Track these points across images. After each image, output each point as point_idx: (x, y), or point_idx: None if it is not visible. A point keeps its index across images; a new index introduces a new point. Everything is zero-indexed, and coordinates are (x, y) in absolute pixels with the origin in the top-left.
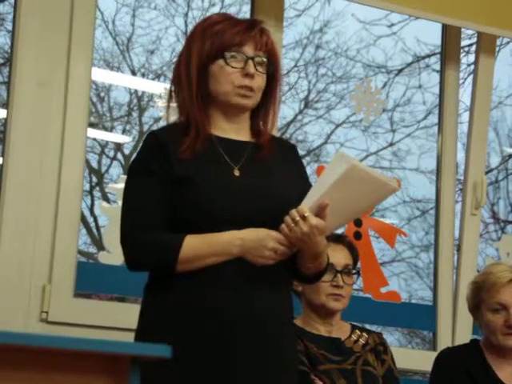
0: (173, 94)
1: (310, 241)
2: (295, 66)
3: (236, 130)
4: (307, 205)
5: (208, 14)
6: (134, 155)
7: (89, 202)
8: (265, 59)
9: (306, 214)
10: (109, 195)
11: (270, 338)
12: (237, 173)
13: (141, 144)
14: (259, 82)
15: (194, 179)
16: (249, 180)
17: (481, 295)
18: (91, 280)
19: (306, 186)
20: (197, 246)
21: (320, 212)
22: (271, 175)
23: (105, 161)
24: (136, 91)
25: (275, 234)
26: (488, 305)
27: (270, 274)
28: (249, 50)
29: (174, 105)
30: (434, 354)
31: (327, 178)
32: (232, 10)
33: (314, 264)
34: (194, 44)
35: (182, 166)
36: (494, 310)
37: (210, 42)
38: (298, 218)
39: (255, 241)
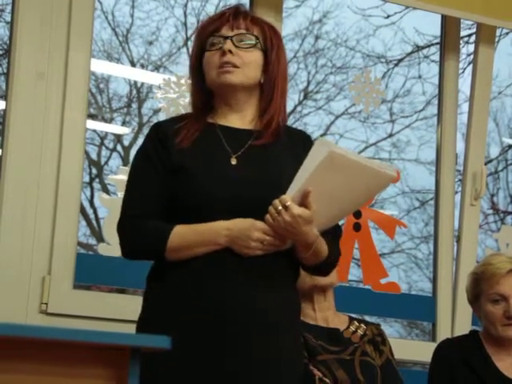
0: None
1: (295, 230)
2: (294, 56)
3: (240, 119)
4: (290, 194)
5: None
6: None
7: (88, 193)
8: (248, 35)
9: (287, 204)
10: (108, 187)
11: (269, 328)
12: (233, 161)
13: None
14: (245, 57)
15: (190, 167)
16: (244, 168)
17: (480, 286)
18: (91, 272)
19: None
20: (184, 235)
21: (304, 200)
22: (270, 164)
23: (104, 152)
24: (135, 82)
25: (260, 225)
26: (487, 296)
27: (269, 264)
28: (226, 31)
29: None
30: (433, 345)
31: (308, 166)
32: (231, 1)
33: (307, 255)
34: (192, 49)
35: (181, 155)
36: (494, 301)
37: (197, 41)
38: (280, 208)
39: (241, 231)
